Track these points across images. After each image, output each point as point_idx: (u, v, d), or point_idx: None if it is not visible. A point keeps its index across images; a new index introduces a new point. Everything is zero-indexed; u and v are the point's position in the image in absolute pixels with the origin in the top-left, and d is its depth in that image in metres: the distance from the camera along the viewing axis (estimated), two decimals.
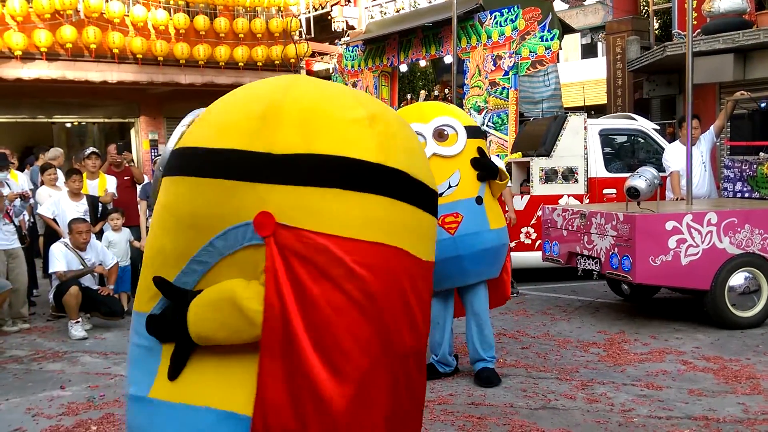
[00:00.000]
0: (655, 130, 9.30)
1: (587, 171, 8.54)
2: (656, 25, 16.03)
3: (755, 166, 7.32)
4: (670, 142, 8.55)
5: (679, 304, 7.18)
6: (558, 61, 11.16)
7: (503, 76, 10.74)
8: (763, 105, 7.60)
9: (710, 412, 4.12)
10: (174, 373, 1.94)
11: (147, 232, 7.67)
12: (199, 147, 1.97)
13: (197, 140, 2.01)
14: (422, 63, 14.03)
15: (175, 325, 1.92)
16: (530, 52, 10.50)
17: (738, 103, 7.70)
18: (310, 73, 18.20)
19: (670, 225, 5.82)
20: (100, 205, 7.79)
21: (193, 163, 1.96)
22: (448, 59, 12.05)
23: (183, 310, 1.92)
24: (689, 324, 6.23)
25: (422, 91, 15.38)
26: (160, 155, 8.63)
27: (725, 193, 7.73)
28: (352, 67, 14.08)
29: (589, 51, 24.44)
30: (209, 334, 1.89)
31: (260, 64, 15.18)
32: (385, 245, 1.90)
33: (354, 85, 13.83)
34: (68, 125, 16.97)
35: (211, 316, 1.88)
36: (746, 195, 7.44)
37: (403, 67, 13.66)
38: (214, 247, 1.91)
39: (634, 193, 6.03)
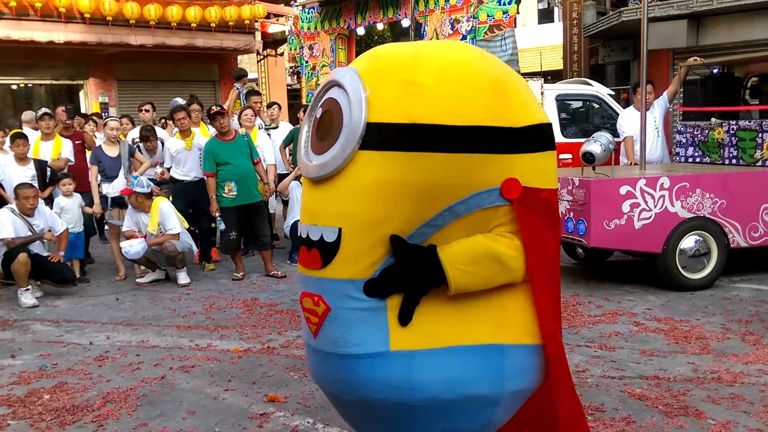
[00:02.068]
0: (610, 95, 9.39)
1: None
2: None
3: (707, 131, 7.45)
4: (624, 108, 8.65)
5: (631, 266, 7.34)
6: (515, 26, 11.12)
7: (461, 39, 10.68)
8: (715, 71, 7.72)
9: (661, 372, 4.24)
10: (406, 320, 2.14)
11: (101, 198, 7.51)
12: (440, 124, 2.05)
13: (430, 116, 2.07)
14: (380, 26, 13.87)
15: (412, 279, 2.12)
16: (488, 16, 10.44)
17: (691, 69, 7.80)
18: (265, 35, 17.86)
19: (624, 189, 5.91)
20: (48, 169, 7.56)
21: (437, 140, 2.06)
22: (405, 22, 11.92)
23: (424, 266, 2.11)
24: (641, 286, 6.38)
25: None
26: (111, 118, 8.41)
27: (677, 158, 7.87)
28: (308, 29, 13.84)
29: (545, 16, 24.48)
30: (470, 285, 2.16)
31: (214, 25, 14.82)
32: (557, 188, 2.43)
33: (310, 48, 13.62)
34: (14, 87, 16.38)
35: (472, 270, 2.14)
36: (698, 160, 7.59)
37: (361, 30, 13.47)
38: (452, 211, 2.12)
39: (589, 158, 6.09)
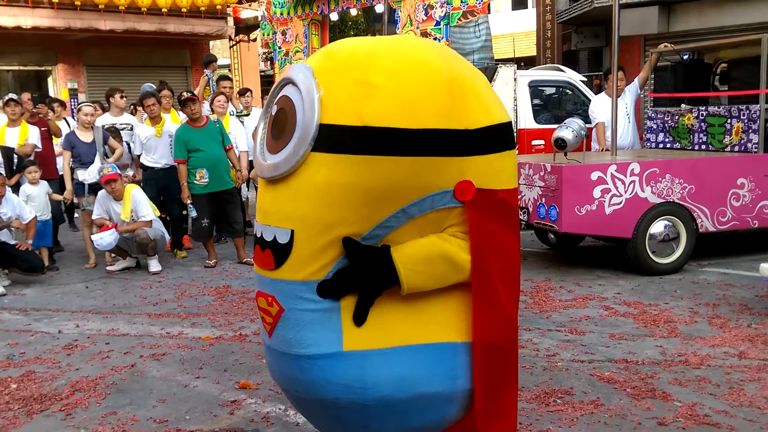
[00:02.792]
0: (582, 81, 9.45)
1: (516, 122, 8.62)
2: None
3: (677, 117, 7.53)
4: (596, 94, 8.70)
5: (602, 251, 7.41)
6: (489, 12, 11.11)
7: (435, 26, 10.63)
8: (685, 57, 7.79)
9: (630, 355, 4.29)
10: (360, 320, 2.15)
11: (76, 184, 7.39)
12: (392, 127, 2.05)
13: (382, 118, 2.05)
14: (353, 12, 13.76)
15: (366, 279, 2.13)
16: (461, 2, 10.39)
17: (662, 55, 7.87)
18: (237, 20, 17.67)
19: (595, 175, 5.95)
20: (15, 156, 7.42)
21: (389, 143, 2.04)
22: (379, 8, 11.85)
23: (377, 267, 2.12)
24: (611, 271, 6.45)
25: None
26: (85, 103, 8.25)
27: (648, 144, 7.95)
28: (281, 14, 13.70)
29: (519, 2, 24.51)
30: (422, 285, 2.17)
31: (185, 10, 14.62)
32: (517, 187, 2.36)
33: (283, 33, 13.50)
34: None
35: (424, 270, 2.14)
36: (668, 146, 7.67)
37: (334, 16, 13.34)
38: (405, 213, 2.12)
39: (561, 144, 6.12)
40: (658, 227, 6.20)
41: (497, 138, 2.22)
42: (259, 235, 2.27)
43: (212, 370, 4.26)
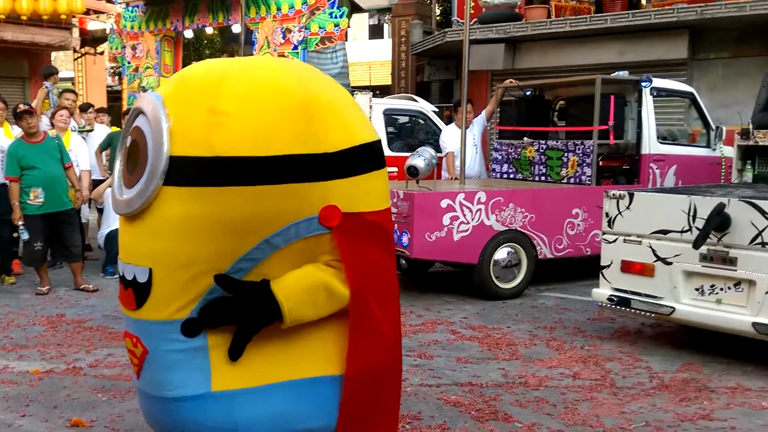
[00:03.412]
0: (434, 112, 9.77)
1: None
2: (438, 12, 16.82)
3: (520, 149, 7.96)
4: (446, 124, 9.02)
5: (450, 277, 7.64)
6: (346, 40, 11.28)
7: (292, 50, 10.64)
8: (528, 93, 8.28)
9: (475, 378, 4.42)
10: (236, 356, 2.07)
11: None
12: (244, 156, 1.93)
13: (232, 147, 1.92)
14: (209, 30, 13.50)
15: (246, 316, 2.04)
16: (319, 27, 10.49)
17: (507, 90, 8.31)
18: (84, 32, 16.77)
19: (444, 203, 6.15)
20: None
21: (242, 173, 1.95)
22: (236, 28, 11.68)
23: (258, 302, 2.04)
24: (458, 296, 6.65)
25: None
26: None
27: (494, 174, 8.33)
28: (132, 29, 13.16)
29: (376, 32, 25.09)
30: (304, 317, 2.10)
31: (25, 18, 13.65)
32: (389, 207, 2.32)
33: (133, 48, 12.97)
34: None
35: (306, 301, 2.09)
36: (511, 176, 8.07)
37: (188, 33, 13.03)
38: (269, 244, 2.03)
39: (413, 172, 6.27)
40: (501, 253, 6.49)
41: (362, 159, 2.16)
42: (121, 274, 2.16)
43: (41, 406, 3.92)
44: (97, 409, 3.86)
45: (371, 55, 21.78)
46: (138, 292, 2.07)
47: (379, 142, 2.27)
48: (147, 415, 2.30)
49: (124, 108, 12.12)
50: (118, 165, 2.23)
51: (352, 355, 2.17)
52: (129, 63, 13.06)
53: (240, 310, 2.06)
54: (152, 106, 2.05)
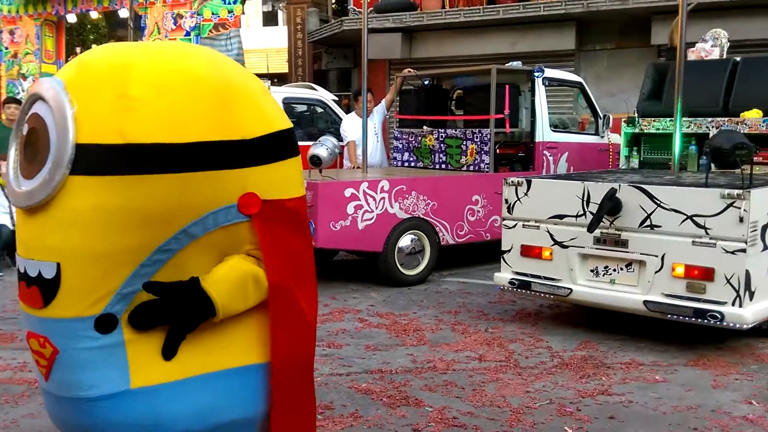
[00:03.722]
0: (334, 100, 9.75)
1: None
2: (334, 0, 16.76)
3: (420, 138, 8.07)
4: (346, 113, 9.03)
5: (354, 265, 7.67)
6: (240, 26, 11.06)
7: (184, 36, 10.34)
8: (426, 82, 8.40)
9: (384, 365, 4.47)
10: (171, 354, 2.02)
11: None
12: (158, 143, 1.86)
13: (146, 134, 1.82)
14: (94, 15, 12.88)
15: (180, 316, 2.01)
16: (213, 14, 10.25)
17: (406, 79, 8.40)
18: None
19: (348, 192, 6.15)
20: None
21: (156, 161, 1.87)
22: (123, 13, 11.21)
23: (191, 301, 2.00)
24: (364, 284, 6.70)
25: (94, 46, 14.16)
26: None
27: (395, 162, 8.42)
28: (9, 12, 12.37)
29: (270, 19, 24.72)
30: (236, 309, 2.07)
31: None
32: (305, 194, 2.28)
33: (11, 33, 12.21)
34: None
35: (237, 293, 2.06)
36: (412, 164, 8.18)
37: (71, 18, 12.41)
38: (187, 234, 1.97)
39: (316, 161, 6.24)
40: (405, 241, 6.58)
41: (278, 146, 2.13)
42: (22, 271, 2.01)
43: None
44: None
45: (267, 42, 21.42)
46: (45, 289, 1.95)
47: (292, 129, 2.23)
48: (57, 419, 2.17)
49: (3, 96, 11.41)
50: (12, 155, 2.08)
51: (279, 343, 2.16)
52: (6, 49, 12.30)
53: (172, 312, 2.00)
54: (53, 91, 1.93)
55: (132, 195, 1.88)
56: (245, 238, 2.09)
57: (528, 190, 5.26)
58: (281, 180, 2.14)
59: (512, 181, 5.36)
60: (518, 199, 5.30)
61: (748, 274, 4.33)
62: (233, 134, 1.99)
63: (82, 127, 1.87)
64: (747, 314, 4.33)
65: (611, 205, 4.75)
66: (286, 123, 2.20)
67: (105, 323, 1.96)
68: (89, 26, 14.94)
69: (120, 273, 1.94)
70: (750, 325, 4.39)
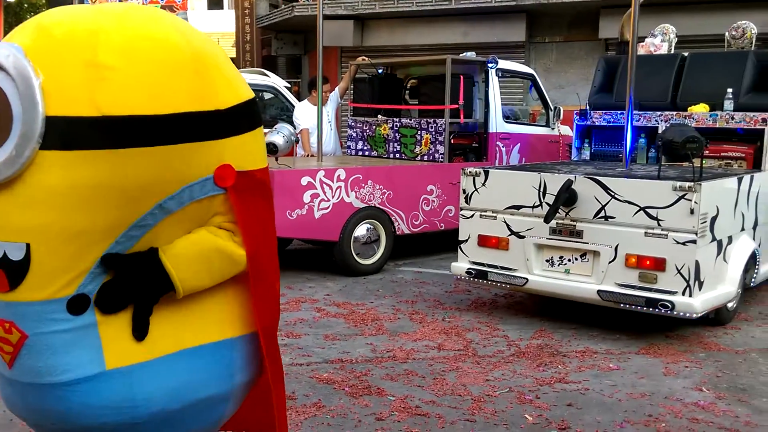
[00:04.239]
0: (286, 87, 9.64)
1: None
2: None
3: (374, 127, 8.06)
4: (297, 101, 8.95)
5: (309, 254, 7.64)
6: (187, 9, 10.82)
7: None
8: (380, 71, 8.38)
9: (344, 354, 4.47)
10: (142, 334, 1.97)
11: None
12: (137, 115, 1.78)
13: (122, 106, 1.74)
14: None
15: (139, 290, 1.95)
16: None
17: (360, 67, 8.36)
18: None
19: (305, 180, 6.11)
20: None
21: (134, 133, 1.79)
22: None
23: (148, 274, 1.94)
24: (319, 273, 6.67)
25: None
26: None
27: (348, 151, 8.39)
28: None
29: (215, 3, 24.22)
30: (200, 284, 2.03)
31: None
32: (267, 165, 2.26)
33: None
34: None
35: (200, 268, 2.00)
36: (366, 153, 8.17)
37: None
38: (162, 209, 1.92)
39: (272, 149, 6.17)
40: (361, 230, 6.58)
41: (248, 116, 2.10)
42: None
43: None
44: None
45: (212, 26, 21.00)
46: (11, 272, 1.85)
47: (255, 99, 2.20)
48: (22, 409, 2.07)
49: None
50: None
51: (262, 311, 2.15)
52: None
53: (132, 286, 1.94)
54: (14, 59, 1.79)
55: (108, 170, 1.80)
56: (217, 211, 2.05)
57: (486, 181, 5.31)
58: (252, 151, 2.11)
59: (470, 172, 5.41)
60: (476, 189, 5.36)
61: (697, 265, 4.48)
62: (209, 105, 1.94)
63: (50, 98, 1.77)
64: (696, 303, 4.49)
65: (567, 197, 4.85)
66: (251, 93, 2.17)
67: (77, 304, 1.89)
68: (26, 5, 14.38)
69: (94, 251, 1.88)
70: (699, 314, 4.55)
